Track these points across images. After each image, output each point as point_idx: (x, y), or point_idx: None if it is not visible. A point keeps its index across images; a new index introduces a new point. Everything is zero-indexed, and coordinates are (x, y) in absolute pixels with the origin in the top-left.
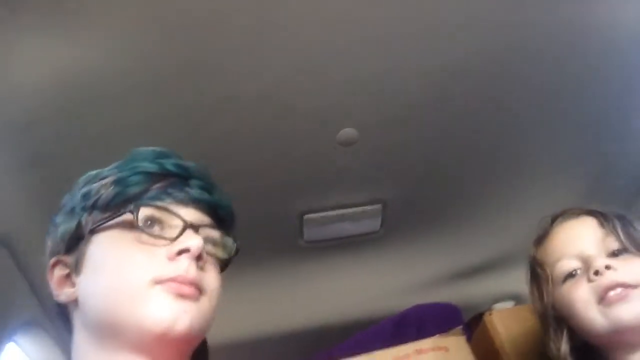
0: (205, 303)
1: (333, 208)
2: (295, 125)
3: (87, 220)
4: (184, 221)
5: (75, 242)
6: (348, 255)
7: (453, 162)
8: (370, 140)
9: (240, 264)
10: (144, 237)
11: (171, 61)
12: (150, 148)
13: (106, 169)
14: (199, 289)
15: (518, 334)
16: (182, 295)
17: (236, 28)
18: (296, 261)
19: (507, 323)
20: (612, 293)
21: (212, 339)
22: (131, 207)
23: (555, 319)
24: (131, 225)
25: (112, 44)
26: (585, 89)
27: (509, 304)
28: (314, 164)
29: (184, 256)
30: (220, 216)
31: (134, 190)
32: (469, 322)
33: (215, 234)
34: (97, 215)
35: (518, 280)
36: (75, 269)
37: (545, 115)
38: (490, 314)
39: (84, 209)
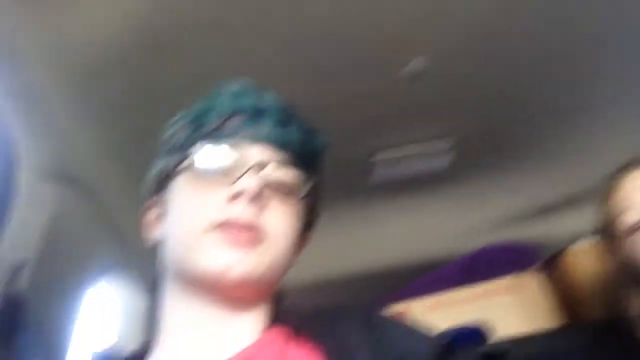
0: (270, 248)
1: (402, 144)
2: (360, 58)
3: (169, 163)
4: (247, 159)
5: (162, 185)
6: (418, 195)
7: (527, 95)
8: (439, 71)
9: None
10: (204, 180)
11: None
12: (233, 83)
13: (191, 109)
14: (259, 233)
15: (598, 274)
16: (237, 244)
17: None
18: (366, 202)
19: (588, 261)
20: None
21: (284, 280)
22: (194, 148)
23: (630, 275)
24: (194, 168)
25: None
26: None
27: (590, 242)
28: (382, 98)
29: (240, 198)
30: (294, 153)
31: (205, 130)
32: (547, 262)
33: (286, 172)
34: (175, 158)
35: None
36: (163, 210)
37: (625, 47)
38: (569, 252)
39: (167, 152)
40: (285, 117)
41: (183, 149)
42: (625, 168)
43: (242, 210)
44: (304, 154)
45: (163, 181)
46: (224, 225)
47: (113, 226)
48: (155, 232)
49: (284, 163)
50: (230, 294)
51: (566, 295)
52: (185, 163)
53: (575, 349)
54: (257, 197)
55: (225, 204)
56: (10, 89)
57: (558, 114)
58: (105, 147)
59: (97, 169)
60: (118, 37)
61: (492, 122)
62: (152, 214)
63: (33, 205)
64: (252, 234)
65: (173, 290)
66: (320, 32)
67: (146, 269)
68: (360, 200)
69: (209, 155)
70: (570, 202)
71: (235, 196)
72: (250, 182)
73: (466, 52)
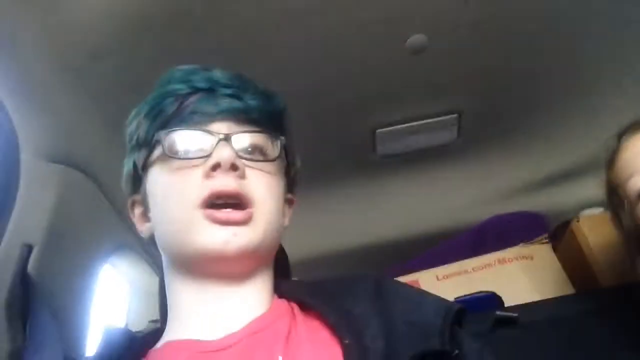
0: (259, 218)
1: (406, 121)
2: (361, 35)
3: (138, 159)
4: (213, 135)
5: (137, 181)
6: (424, 168)
7: (531, 66)
8: (441, 46)
9: (315, 180)
10: (177, 163)
11: None
12: (182, 67)
13: (144, 101)
14: (245, 200)
15: (607, 241)
16: (229, 222)
17: None
18: (371, 176)
19: (596, 230)
20: None
21: (289, 253)
22: (158, 137)
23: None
24: (165, 156)
25: None
26: None
27: (598, 210)
28: (384, 75)
29: (217, 171)
30: (256, 119)
31: (162, 118)
32: (555, 231)
33: (254, 137)
34: (142, 153)
35: None
36: (145, 206)
37: (633, 14)
38: (577, 221)
39: (132, 148)
40: (239, 87)
41: (147, 142)
42: (626, 132)
43: (222, 182)
44: (265, 117)
45: (137, 178)
46: (211, 199)
47: (118, 207)
48: (146, 226)
49: (248, 130)
50: (230, 268)
51: (575, 263)
52: (154, 154)
53: (587, 315)
54: (234, 166)
55: (203, 182)
56: (9, 73)
57: (562, 86)
58: (104, 130)
59: (99, 151)
60: (116, 18)
61: (497, 95)
62: (137, 211)
63: (39, 188)
64: (241, 210)
65: (174, 273)
66: (321, 6)
67: (153, 249)
68: (366, 174)
69: (175, 141)
70: (576, 172)
71: (213, 169)
72: (223, 153)
73: (466, 26)
